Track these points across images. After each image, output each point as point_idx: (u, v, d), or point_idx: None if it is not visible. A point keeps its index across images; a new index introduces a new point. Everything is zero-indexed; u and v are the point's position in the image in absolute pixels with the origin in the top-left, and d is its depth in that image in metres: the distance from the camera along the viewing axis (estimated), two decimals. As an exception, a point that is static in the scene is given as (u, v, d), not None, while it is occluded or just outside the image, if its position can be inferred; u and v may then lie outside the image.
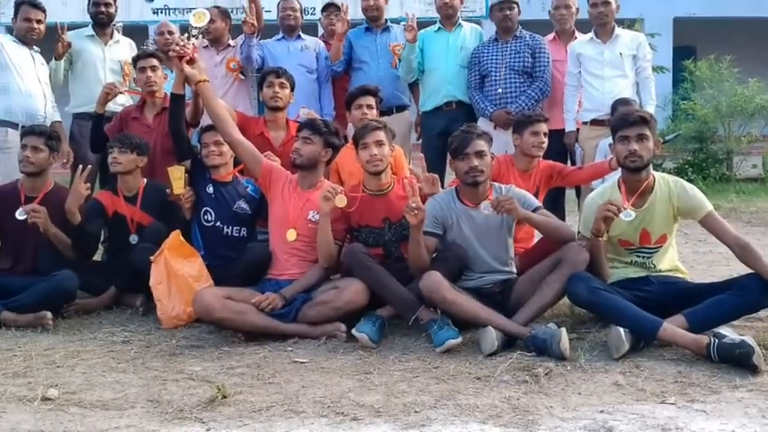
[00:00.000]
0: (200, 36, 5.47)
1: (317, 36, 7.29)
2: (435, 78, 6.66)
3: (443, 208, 4.62)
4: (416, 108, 7.09)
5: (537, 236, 5.04)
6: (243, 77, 6.73)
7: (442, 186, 5.13)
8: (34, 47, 6.37)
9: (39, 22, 6.26)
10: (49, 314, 4.68)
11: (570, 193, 6.84)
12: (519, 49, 6.46)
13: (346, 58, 6.70)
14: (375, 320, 4.30)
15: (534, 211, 4.48)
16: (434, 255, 4.52)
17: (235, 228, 5.19)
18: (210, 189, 5.20)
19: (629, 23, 11.02)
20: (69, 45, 6.54)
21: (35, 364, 3.99)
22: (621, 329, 3.87)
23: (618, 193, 4.38)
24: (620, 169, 4.46)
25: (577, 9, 6.82)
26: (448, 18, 6.70)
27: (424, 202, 4.44)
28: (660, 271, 4.44)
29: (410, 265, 4.50)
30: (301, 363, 3.95)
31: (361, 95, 5.66)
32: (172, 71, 5.93)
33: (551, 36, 6.88)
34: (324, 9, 7.33)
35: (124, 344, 4.39)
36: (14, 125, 6.06)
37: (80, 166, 5.12)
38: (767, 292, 4.04)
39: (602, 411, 3.21)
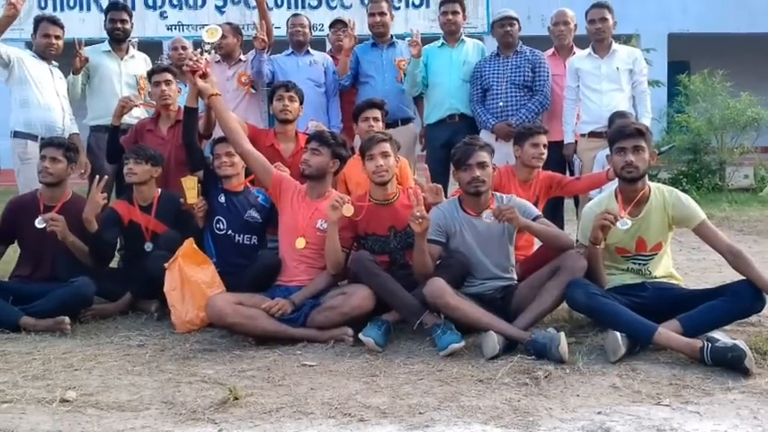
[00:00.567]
0: (213, 51, 5.47)
1: (325, 51, 7.29)
2: (439, 92, 6.66)
3: (447, 217, 4.63)
4: (421, 121, 7.08)
5: (537, 244, 5.05)
6: (254, 91, 6.73)
7: (446, 196, 5.13)
8: (53, 62, 6.41)
9: (57, 37, 6.31)
10: (67, 319, 4.69)
11: (569, 203, 6.83)
12: (519, 63, 6.47)
13: (353, 73, 6.70)
14: (381, 325, 4.31)
15: (534, 219, 4.49)
16: (438, 262, 4.53)
17: (246, 236, 5.20)
18: (222, 199, 5.21)
19: (626, 39, 11.02)
20: (87, 60, 6.57)
21: (54, 367, 4.01)
22: (618, 334, 3.88)
23: (615, 203, 4.39)
24: (616, 179, 4.46)
25: (576, 25, 6.83)
26: (451, 34, 6.71)
27: (428, 211, 4.44)
28: (655, 277, 4.44)
29: (415, 272, 4.50)
30: (310, 366, 3.96)
31: (367, 108, 5.67)
32: (185, 85, 5.93)
33: (551, 51, 6.88)
34: (332, 25, 7.37)
35: (139, 348, 4.40)
36: (34, 137, 6.11)
37: (97, 177, 5.13)
38: (758, 297, 4.04)
39: (599, 412, 3.21)
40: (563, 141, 6.47)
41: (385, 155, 4.67)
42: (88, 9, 12.45)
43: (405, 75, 6.59)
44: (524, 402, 3.35)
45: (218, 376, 3.82)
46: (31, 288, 4.99)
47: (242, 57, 6.77)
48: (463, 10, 6.76)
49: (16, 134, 6.19)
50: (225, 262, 5.09)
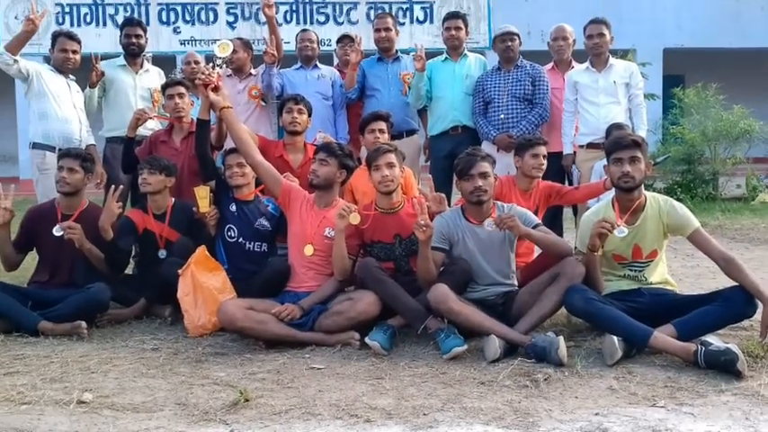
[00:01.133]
0: (224, 65, 5.49)
1: (332, 65, 7.31)
2: (442, 105, 6.68)
3: (450, 225, 4.64)
4: (425, 132, 7.11)
5: (537, 251, 5.05)
6: (264, 104, 6.73)
7: (449, 205, 5.15)
8: (70, 75, 6.44)
9: (74, 52, 6.33)
10: (84, 324, 4.69)
11: (568, 212, 6.85)
12: (520, 77, 6.48)
13: (360, 86, 6.70)
14: (386, 329, 4.32)
15: (534, 227, 4.50)
16: (441, 268, 4.54)
17: (256, 243, 5.21)
18: (234, 207, 5.22)
19: (623, 54, 11.07)
20: (103, 74, 6.61)
21: (71, 370, 4.02)
22: (615, 338, 3.88)
23: (612, 212, 4.40)
24: (613, 189, 4.47)
25: (574, 40, 6.86)
26: (454, 49, 6.73)
27: (431, 220, 4.46)
28: (651, 283, 4.44)
29: (419, 278, 4.51)
30: (318, 369, 3.96)
31: (373, 120, 5.68)
32: (198, 98, 5.96)
33: (550, 65, 6.91)
34: (339, 40, 7.38)
35: (154, 351, 4.41)
36: (52, 148, 6.13)
37: (113, 187, 5.15)
38: (750, 303, 4.05)
39: (597, 414, 3.22)
40: (562, 152, 6.49)
41: (390, 165, 4.68)
42: (104, 24, 12.54)
43: (409, 88, 6.60)
44: (525, 404, 3.35)
45: (230, 379, 3.83)
46: (49, 294, 4.99)
47: (252, 71, 6.78)
48: (466, 26, 6.79)
49: (35, 145, 6.21)
50: (236, 268, 5.10)
